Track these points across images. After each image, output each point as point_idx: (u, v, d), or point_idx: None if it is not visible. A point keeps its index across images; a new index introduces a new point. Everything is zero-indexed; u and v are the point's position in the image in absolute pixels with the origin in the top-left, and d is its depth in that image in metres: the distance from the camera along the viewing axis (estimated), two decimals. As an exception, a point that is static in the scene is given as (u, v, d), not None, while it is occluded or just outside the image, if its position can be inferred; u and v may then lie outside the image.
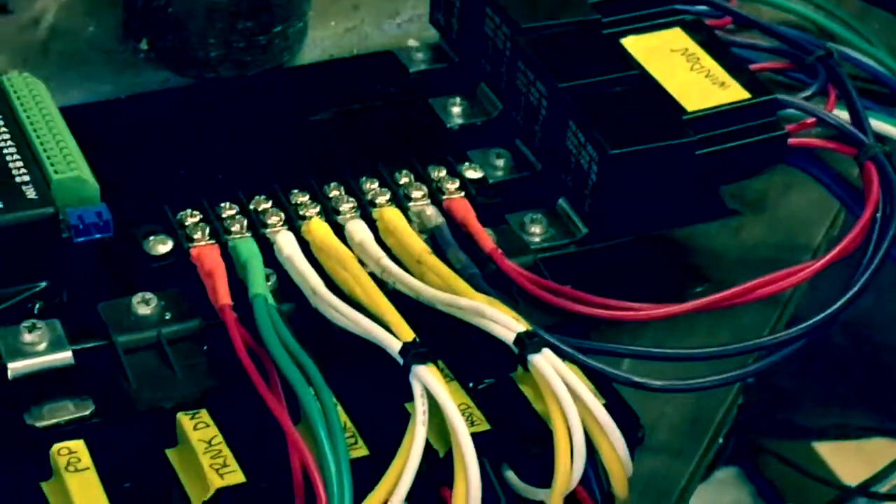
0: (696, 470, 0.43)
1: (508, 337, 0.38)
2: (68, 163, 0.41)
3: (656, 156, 0.43)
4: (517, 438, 0.39)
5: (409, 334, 0.37)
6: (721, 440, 0.45)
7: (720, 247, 0.48)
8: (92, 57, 0.52)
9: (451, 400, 0.36)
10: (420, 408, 0.36)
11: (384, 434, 0.38)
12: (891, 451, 0.69)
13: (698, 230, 0.47)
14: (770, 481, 1.06)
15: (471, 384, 0.40)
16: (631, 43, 0.46)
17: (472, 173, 0.45)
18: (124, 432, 0.38)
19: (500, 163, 0.46)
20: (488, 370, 0.40)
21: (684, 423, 0.44)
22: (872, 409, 0.83)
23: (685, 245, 0.47)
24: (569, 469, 0.37)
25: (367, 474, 0.36)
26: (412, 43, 0.52)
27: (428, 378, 0.37)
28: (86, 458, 0.37)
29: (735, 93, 0.44)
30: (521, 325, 0.38)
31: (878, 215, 0.43)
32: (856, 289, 0.42)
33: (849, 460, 0.88)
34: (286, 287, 0.41)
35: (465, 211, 0.44)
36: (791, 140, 0.45)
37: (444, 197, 0.44)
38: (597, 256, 0.45)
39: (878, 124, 0.48)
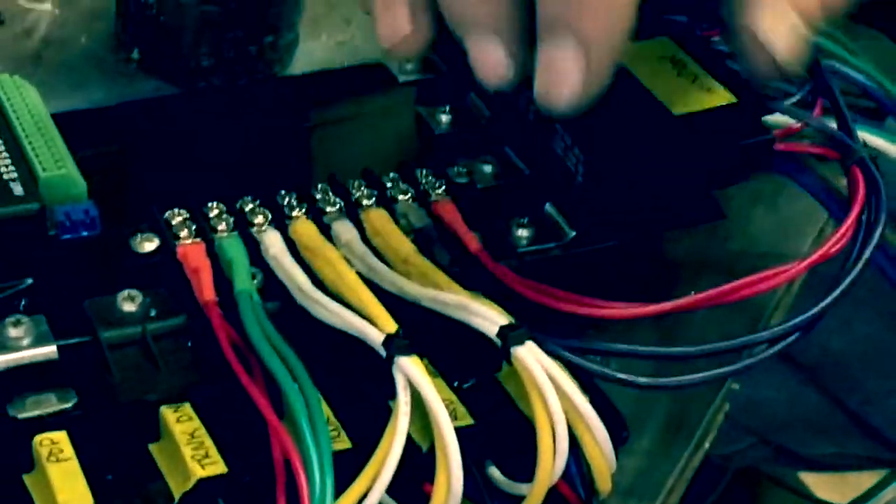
0: (683, 472, 0.43)
1: (492, 330, 0.38)
2: (56, 161, 0.42)
3: (642, 157, 0.43)
4: (501, 434, 0.39)
5: (392, 326, 0.38)
6: (707, 445, 0.45)
7: (707, 254, 0.48)
8: (84, 66, 0.52)
9: (434, 391, 0.36)
10: (402, 398, 0.36)
11: (368, 428, 0.38)
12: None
13: (686, 237, 0.47)
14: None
15: (455, 383, 0.40)
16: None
17: (460, 177, 0.45)
18: (107, 425, 0.38)
19: (488, 168, 0.46)
20: (474, 370, 0.40)
21: (671, 426, 0.44)
22: (867, 438, 0.82)
23: (672, 252, 0.47)
24: (551, 462, 0.37)
25: (350, 467, 0.36)
26: (402, 55, 0.52)
27: (411, 369, 0.37)
28: (68, 449, 0.37)
29: (721, 97, 0.45)
30: (505, 318, 0.38)
31: (864, 218, 0.43)
32: (841, 288, 0.41)
33: (834, 491, 0.88)
34: (272, 286, 0.41)
35: (451, 213, 0.44)
36: (777, 145, 0.45)
37: (431, 199, 0.44)
38: (583, 260, 0.45)
39: (865, 136, 0.48)
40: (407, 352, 0.37)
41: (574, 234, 0.44)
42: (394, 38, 0.42)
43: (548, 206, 0.45)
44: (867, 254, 0.42)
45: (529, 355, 0.37)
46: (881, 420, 0.82)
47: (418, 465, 0.37)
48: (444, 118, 0.49)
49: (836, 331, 0.79)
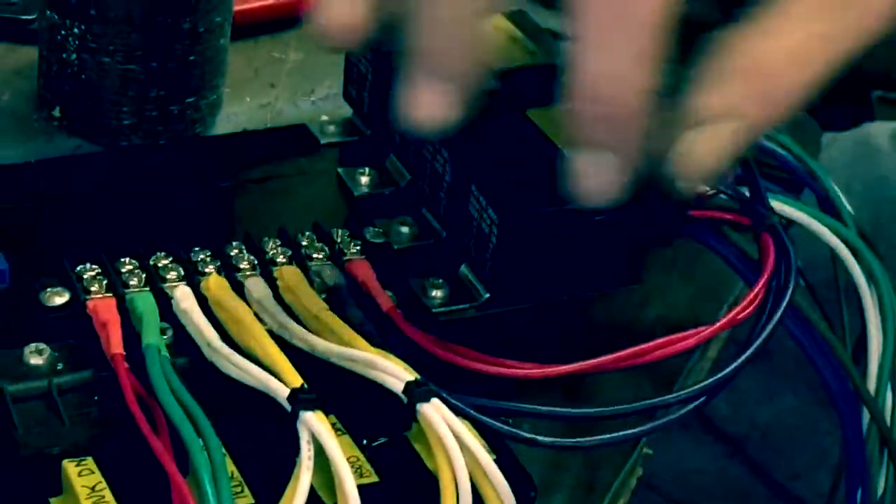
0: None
1: (398, 386, 0.38)
2: (-35, 213, 0.42)
3: (556, 219, 0.43)
4: (406, 493, 0.39)
5: (297, 380, 0.37)
6: (619, 509, 0.45)
7: (624, 319, 0.48)
8: (4, 124, 0.52)
9: (338, 447, 0.36)
10: (305, 452, 0.36)
11: (273, 485, 0.37)
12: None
13: (601, 300, 0.47)
14: None
15: (364, 441, 0.40)
16: (536, 114, 0.47)
17: (375, 237, 0.46)
18: (8, 478, 0.38)
19: (405, 230, 0.47)
20: (384, 429, 0.40)
21: (582, 489, 0.44)
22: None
23: (589, 315, 0.47)
24: (455, 520, 0.37)
25: (253, 523, 0.36)
26: (324, 118, 0.53)
27: (314, 424, 0.36)
28: (-34, 502, 0.36)
29: (636, 163, 0.45)
30: (411, 375, 0.38)
31: (773, 284, 0.44)
32: (748, 353, 0.42)
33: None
34: (182, 342, 0.41)
35: (364, 272, 0.44)
36: (691, 210, 0.46)
37: (346, 258, 0.44)
38: (498, 322, 0.45)
39: (779, 206, 0.48)
40: (311, 406, 0.37)
41: (488, 295, 0.45)
42: (331, 22, 0.40)
43: (463, 268, 0.45)
44: (775, 320, 0.43)
45: (434, 412, 0.37)
46: (807, 494, 0.83)
47: (323, 523, 0.37)
48: (364, 179, 0.49)
49: (763, 403, 0.80)
